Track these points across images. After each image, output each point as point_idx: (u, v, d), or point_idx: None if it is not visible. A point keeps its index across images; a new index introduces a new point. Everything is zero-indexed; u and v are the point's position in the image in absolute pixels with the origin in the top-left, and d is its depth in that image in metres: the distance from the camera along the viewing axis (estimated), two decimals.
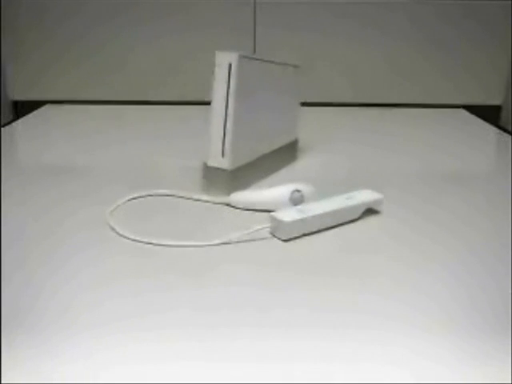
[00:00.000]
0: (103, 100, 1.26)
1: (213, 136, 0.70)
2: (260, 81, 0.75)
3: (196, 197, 0.71)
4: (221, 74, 0.69)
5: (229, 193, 0.69)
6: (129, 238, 0.59)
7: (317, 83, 1.25)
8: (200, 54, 1.24)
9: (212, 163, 0.71)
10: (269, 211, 0.62)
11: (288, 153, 0.86)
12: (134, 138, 0.99)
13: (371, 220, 0.65)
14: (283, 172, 0.82)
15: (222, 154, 0.70)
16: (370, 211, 0.66)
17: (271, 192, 0.67)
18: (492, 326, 0.45)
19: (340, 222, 0.63)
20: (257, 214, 0.66)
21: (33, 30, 1.23)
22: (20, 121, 1.14)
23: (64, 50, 1.24)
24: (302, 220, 0.60)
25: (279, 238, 0.59)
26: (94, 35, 1.24)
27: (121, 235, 0.60)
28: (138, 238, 0.59)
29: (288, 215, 0.60)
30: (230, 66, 0.68)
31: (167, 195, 0.72)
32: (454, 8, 1.23)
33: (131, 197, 0.70)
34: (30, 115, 1.18)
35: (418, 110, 1.25)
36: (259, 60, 0.76)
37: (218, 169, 0.71)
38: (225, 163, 0.71)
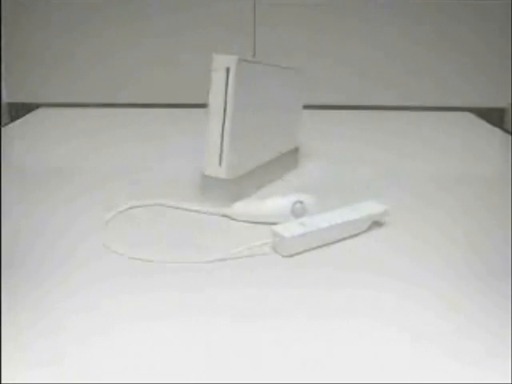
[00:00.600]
0: (98, 103, 1.23)
1: (210, 144, 0.67)
2: (260, 85, 0.71)
3: (193, 208, 0.67)
4: (218, 78, 0.66)
5: (227, 203, 0.66)
6: (121, 254, 0.56)
7: (317, 85, 1.21)
8: (199, 54, 1.20)
9: (209, 172, 0.68)
10: (270, 223, 0.59)
11: (289, 160, 0.83)
12: (130, 143, 0.96)
13: (377, 234, 0.62)
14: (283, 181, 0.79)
15: (220, 163, 0.67)
16: (375, 223, 0.63)
17: (272, 204, 0.64)
18: None
19: (344, 236, 0.60)
20: (257, 225, 0.63)
21: (27, 32, 1.20)
22: (14, 124, 1.11)
23: (58, 52, 1.22)
24: (304, 235, 0.56)
25: (281, 254, 0.56)
26: (89, 37, 1.21)
27: (113, 250, 0.56)
28: (130, 253, 0.55)
29: (290, 230, 0.56)
30: (228, 70, 0.65)
31: (163, 205, 0.68)
32: (461, 9, 1.20)
33: (125, 207, 0.67)
34: (24, 118, 1.15)
35: (423, 113, 1.22)
36: (259, 63, 0.72)
37: (216, 177, 0.68)
38: (222, 172, 0.67)
